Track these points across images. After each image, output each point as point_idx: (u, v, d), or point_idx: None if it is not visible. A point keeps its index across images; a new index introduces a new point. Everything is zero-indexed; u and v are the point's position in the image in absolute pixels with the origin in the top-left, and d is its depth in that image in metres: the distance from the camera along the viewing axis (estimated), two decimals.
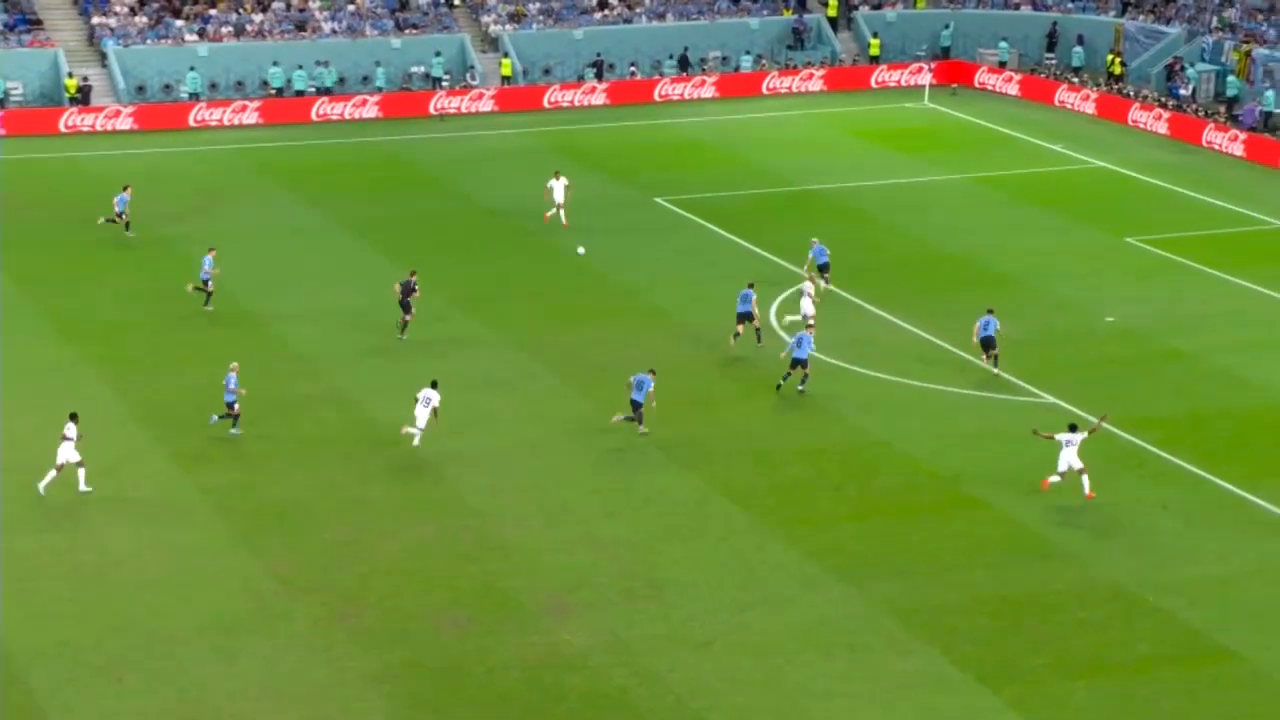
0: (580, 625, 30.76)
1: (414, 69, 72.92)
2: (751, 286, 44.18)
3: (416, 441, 37.73)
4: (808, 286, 44.95)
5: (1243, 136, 64.06)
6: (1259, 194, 58.80)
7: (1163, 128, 67.15)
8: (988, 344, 42.12)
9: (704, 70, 75.21)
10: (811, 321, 43.59)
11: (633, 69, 74.82)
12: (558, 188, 54.09)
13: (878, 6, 79.73)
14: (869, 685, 29.11)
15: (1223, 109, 67.90)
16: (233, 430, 38.37)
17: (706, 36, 76.77)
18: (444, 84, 72.30)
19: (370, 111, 70.33)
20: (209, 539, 33.90)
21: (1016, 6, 79.05)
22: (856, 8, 79.68)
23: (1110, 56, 73.49)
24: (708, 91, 74.21)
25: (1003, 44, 76.36)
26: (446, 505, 35.55)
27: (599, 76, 74.36)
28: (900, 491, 36.27)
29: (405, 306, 44.35)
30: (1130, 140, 66.56)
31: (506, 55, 73.73)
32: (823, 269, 48.36)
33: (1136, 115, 68.37)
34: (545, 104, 72.50)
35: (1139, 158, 63.70)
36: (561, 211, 53.91)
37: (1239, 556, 33.27)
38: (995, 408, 40.66)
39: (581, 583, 32.27)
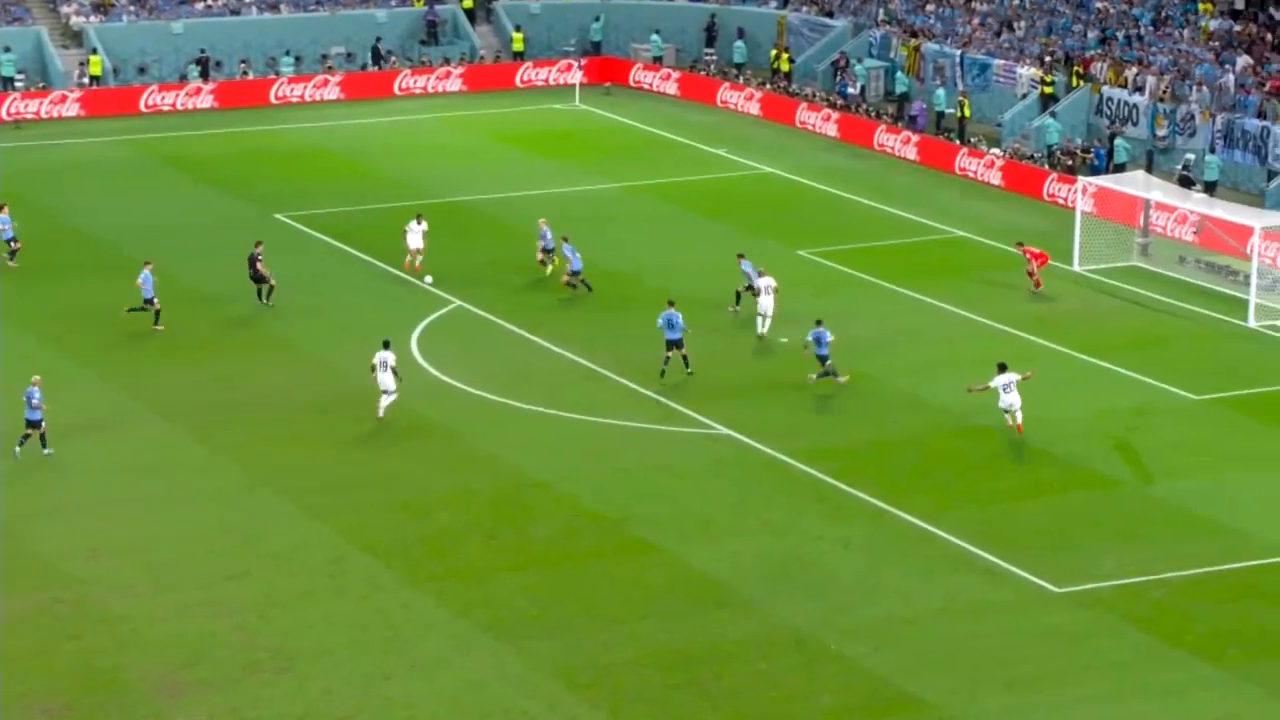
0: (198, 706, 30.25)
1: None
2: (566, 240, 49.77)
3: (381, 412, 40.98)
4: (767, 281, 47.01)
5: (915, 139, 66.89)
6: (934, 200, 61.42)
7: (832, 129, 69.61)
8: (751, 289, 47.79)
9: (326, 69, 74.83)
10: (768, 314, 47.06)
11: (243, 67, 73.98)
12: (415, 232, 52.42)
13: None
14: None
15: (893, 108, 70.79)
16: (45, 451, 38.68)
17: (328, 30, 76.43)
18: (17, 85, 70.40)
19: None
20: None
21: None
22: None
23: (774, 52, 75.84)
24: (331, 93, 73.87)
25: (655, 37, 78.05)
26: (35, 573, 34.53)
27: (204, 76, 73.31)
28: (561, 537, 36.71)
29: (261, 278, 48.21)
30: (799, 143, 68.79)
31: (94, 51, 72.11)
32: (549, 252, 51.37)
33: (804, 116, 70.72)
34: (142, 107, 71.23)
35: (809, 162, 65.89)
36: (418, 257, 52.18)
37: (924, 595, 34.64)
38: (663, 441, 41.50)
39: (199, 657, 31.76)
